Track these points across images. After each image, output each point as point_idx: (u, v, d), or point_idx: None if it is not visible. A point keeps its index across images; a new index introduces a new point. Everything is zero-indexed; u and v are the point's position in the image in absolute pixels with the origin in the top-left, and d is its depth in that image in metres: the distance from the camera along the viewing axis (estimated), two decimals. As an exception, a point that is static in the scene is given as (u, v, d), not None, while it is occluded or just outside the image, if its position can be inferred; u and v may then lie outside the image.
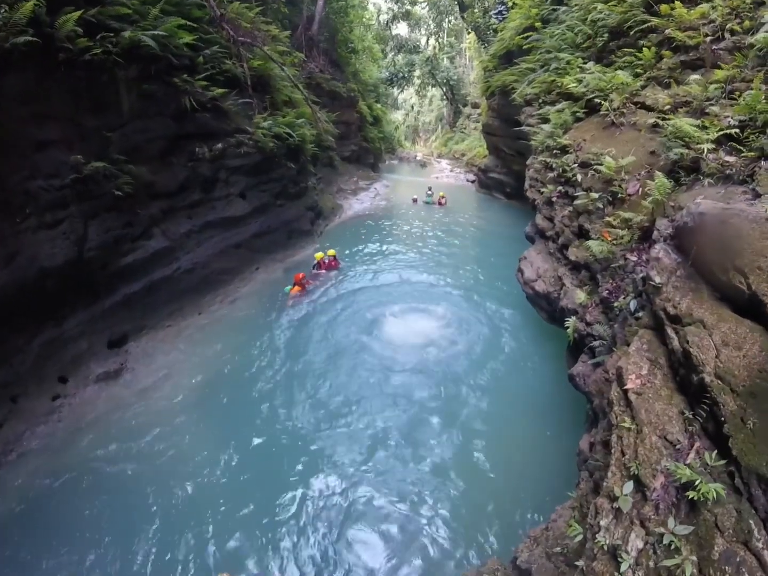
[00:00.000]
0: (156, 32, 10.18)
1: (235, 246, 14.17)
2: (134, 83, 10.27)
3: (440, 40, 61.10)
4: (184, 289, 12.04)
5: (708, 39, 8.24)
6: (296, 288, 13.12)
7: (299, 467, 7.25)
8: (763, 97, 5.93)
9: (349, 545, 5.99)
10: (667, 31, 9.15)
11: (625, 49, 10.42)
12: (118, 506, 6.66)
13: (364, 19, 41.91)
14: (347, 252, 17.02)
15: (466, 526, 6.16)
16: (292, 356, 10.27)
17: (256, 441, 7.84)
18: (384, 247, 18.10)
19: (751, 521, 2.92)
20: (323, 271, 15.02)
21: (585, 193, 7.94)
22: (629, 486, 3.56)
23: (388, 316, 11.90)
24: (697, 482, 3.17)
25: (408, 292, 13.33)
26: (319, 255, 15.27)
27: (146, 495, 6.83)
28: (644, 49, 9.59)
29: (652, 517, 3.34)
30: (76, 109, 9.23)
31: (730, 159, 5.80)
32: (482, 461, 7.22)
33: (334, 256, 15.59)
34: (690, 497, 3.18)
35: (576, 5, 14.12)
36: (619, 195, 7.31)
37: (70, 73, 8.85)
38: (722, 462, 3.26)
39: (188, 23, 11.39)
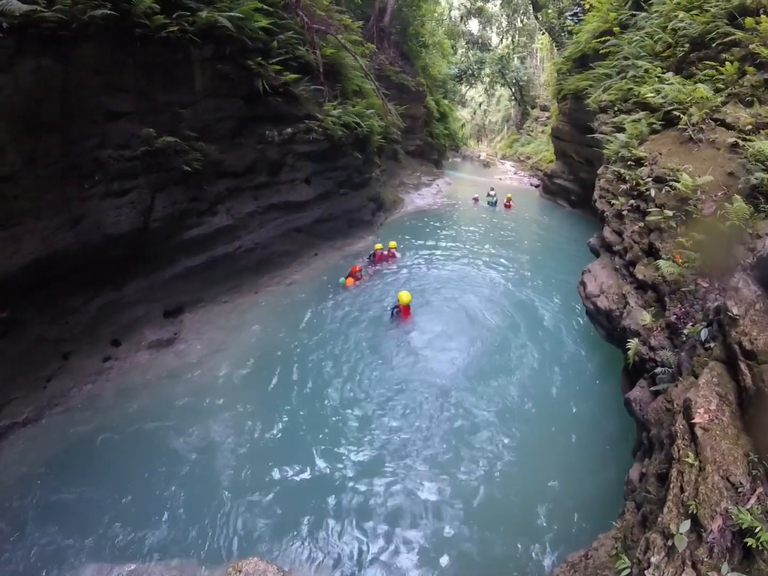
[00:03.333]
0: (232, 14, 10.34)
1: (296, 230, 14.39)
2: (208, 63, 10.48)
3: (512, 39, 60.12)
4: (243, 268, 12.30)
5: None
6: (350, 279, 13.21)
7: (338, 453, 7.30)
8: None
9: (378, 544, 5.95)
10: (751, 47, 8.69)
11: (706, 62, 9.87)
12: (156, 469, 6.91)
13: (435, 14, 41.77)
14: (405, 246, 16.98)
15: (500, 541, 6.02)
16: (342, 343, 10.35)
17: (299, 423, 7.93)
18: (442, 245, 17.95)
19: None
20: (380, 262, 15.05)
21: (658, 209, 7.58)
22: (686, 525, 3.38)
23: (440, 315, 11.81)
24: (757, 529, 2.98)
25: (463, 294, 13.14)
26: (378, 246, 15.35)
27: (183, 461, 7.07)
28: (726, 63, 9.11)
29: (706, 560, 3.16)
30: (149, 84, 9.48)
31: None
32: (521, 474, 7.04)
33: (395, 248, 15.64)
34: (748, 544, 2.99)
35: (656, 12, 13.60)
36: (694, 215, 6.94)
37: (145, 49, 9.09)
38: (783, 509, 3.06)
39: (264, 7, 11.53)
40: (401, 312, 11.11)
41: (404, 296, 11.08)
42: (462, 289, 13.43)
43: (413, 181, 28.31)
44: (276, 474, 6.87)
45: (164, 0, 9.05)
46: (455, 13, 58.64)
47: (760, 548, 2.94)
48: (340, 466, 7.05)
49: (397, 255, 15.71)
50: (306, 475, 6.86)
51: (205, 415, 8.01)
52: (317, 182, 15.01)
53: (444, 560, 5.76)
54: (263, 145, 12.45)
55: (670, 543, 3.40)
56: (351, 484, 6.72)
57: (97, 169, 8.58)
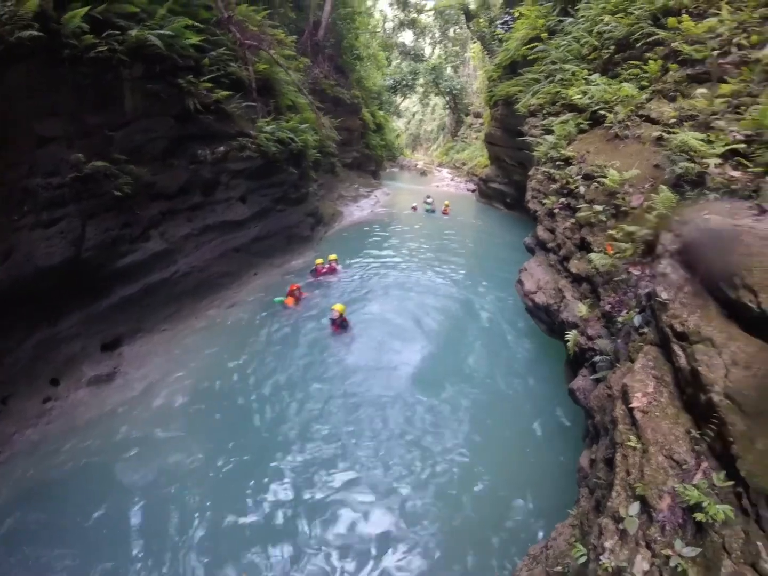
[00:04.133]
0: (162, 32, 10.12)
1: (234, 250, 14.09)
2: (139, 82, 10.20)
3: (445, 48, 61.41)
4: (182, 293, 11.93)
5: (715, 53, 8.12)
6: (290, 298, 12.90)
7: (287, 480, 7.11)
8: (770, 113, 5.88)
9: (346, 556, 5.88)
10: (673, 45, 9.08)
11: (631, 62, 10.30)
12: (105, 511, 6.57)
13: (369, 26, 42.09)
14: (346, 258, 16.87)
15: (462, 542, 6.05)
16: (286, 365, 10.11)
17: (247, 453, 7.69)
18: (383, 254, 18.03)
19: (759, 543, 2.84)
20: (321, 277, 14.93)
21: (588, 205, 7.86)
22: (635, 507, 3.47)
23: (385, 324, 11.82)
24: (705, 504, 3.09)
25: (407, 300, 13.23)
26: (318, 261, 15.21)
27: (133, 501, 6.74)
28: (650, 61, 9.52)
29: (659, 538, 3.25)
30: (79, 106, 9.14)
31: (736, 174, 5.73)
32: (477, 476, 7.10)
33: (336, 260, 15.54)
34: (697, 519, 3.10)
35: (583, 17, 14.06)
36: (623, 208, 7.21)
37: (74, 70, 8.78)
38: (730, 483, 3.18)
39: (195, 24, 11.34)
40: (337, 324, 11.11)
41: (338, 307, 11.20)
42: (405, 296, 13.53)
43: (351, 194, 28.38)
44: (225, 506, 6.66)
45: (93, 19, 8.81)
46: (389, 25, 59.57)
47: (710, 521, 3.04)
48: (289, 495, 6.88)
49: (338, 268, 15.60)
50: (255, 507, 6.67)
51: (152, 450, 7.70)
52: (253, 200, 14.79)
53: (407, 563, 5.76)
54: (196, 165, 12.19)
55: (621, 526, 3.48)
56: (301, 512, 6.57)
57: (26, 199, 8.20)
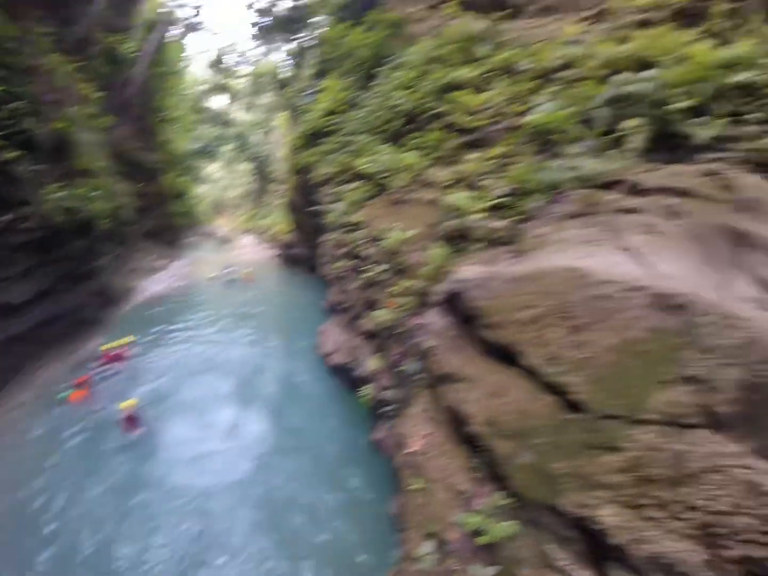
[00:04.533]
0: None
1: (14, 339, 12.33)
2: None
3: (254, 115, 62.35)
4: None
5: (489, 121, 9.43)
6: (78, 393, 11.33)
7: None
8: (531, 168, 6.93)
9: None
10: (449, 117, 10.36)
11: (416, 133, 11.48)
12: None
13: (180, 88, 41.56)
14: (142, 340, 15.45)
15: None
16: (79, 477, 8.80)
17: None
18: (183, 332, 16.82)
19: (548, 546, 3.23)
20: (112, 364, 13.14)
21: (373, 266, 8.48)
22: (428, 545, 3.71)
23: (185, 413, 10.99)
24: (487, 526, 3.44)
25: (208, 380, 12.32)
26: (106, 346, 13.48)
27: None
28: (432, 132, 10.71)
29: (457, 568, 3.53)
30: None
31: (498, 224, 6.54)
32: (304, 541, 6.89)
33: (131, 342, 14.12)
34: (482, 543, 3.43)
35: (378, 92, 15.28)
36: (403, 265, 7.87)
37: None
38: (510, 500, 3.56)
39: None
40: (129, 423, 9.88)
41: (126, 405, 9.92)
42: (208, 374, 12.57)
43: (148, 265, 26.90)
44: None
45: None
46: (200, 88, 59.00)
47: (497, 540, 3.39)
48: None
49: (131, 352, 13.94)
50: None
51: None
52: (35, 278, 13.19)
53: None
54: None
55: (421, 566, 3.69)
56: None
57: None
